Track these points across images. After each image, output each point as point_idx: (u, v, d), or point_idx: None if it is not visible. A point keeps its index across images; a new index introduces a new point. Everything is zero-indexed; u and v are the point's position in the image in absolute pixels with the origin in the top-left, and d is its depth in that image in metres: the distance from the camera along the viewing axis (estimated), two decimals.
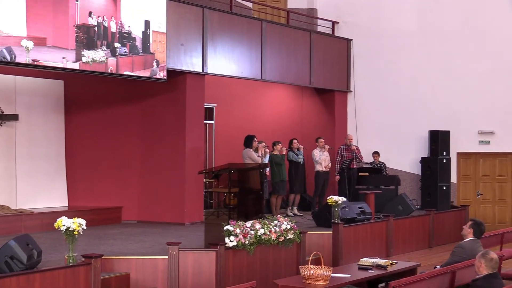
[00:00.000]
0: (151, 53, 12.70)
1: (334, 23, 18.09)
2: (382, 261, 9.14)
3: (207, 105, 14.80)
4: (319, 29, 18.01)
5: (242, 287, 6.58)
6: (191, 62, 13.66)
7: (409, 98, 17.48)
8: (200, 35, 13.82)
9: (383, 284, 8.95)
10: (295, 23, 17.26)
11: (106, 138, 14.21)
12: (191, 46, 13.67)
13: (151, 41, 12.70)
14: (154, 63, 12.73)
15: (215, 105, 15.88)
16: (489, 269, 6.78)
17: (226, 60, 14.52)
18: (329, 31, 18.00)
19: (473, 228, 8.48)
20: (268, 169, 14.30)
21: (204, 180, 14.51)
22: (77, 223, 8.18)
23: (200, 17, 13.83)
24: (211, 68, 14.04)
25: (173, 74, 13.31)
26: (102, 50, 11.84)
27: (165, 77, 12.91)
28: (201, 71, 13.84)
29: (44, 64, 10.96)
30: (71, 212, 12.52)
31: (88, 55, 11.59)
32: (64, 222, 8.16)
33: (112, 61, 12.02)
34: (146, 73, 12.58)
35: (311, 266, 7.89)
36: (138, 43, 12.52)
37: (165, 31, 12.91)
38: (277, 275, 10.14)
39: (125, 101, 14.20)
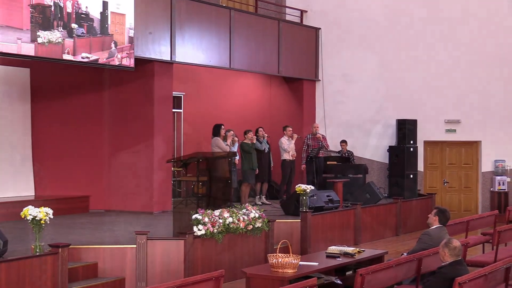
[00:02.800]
0: (109, 34, 12.48)
1: (302, 12, 18.09)
2: (349, 249, 9.21)
3: (175, 93, 14.74)
4: (288, 17, 18.01)
5: (210, 275, 6.58)
6: (159, 51, 13.57)
7: (376, 87, 17.58)
8: (168, 23, 13.73)
9: (350, 272, 9.01)
10: (263, 12, 17.24)
11: (73, 127, 14.09)
12: (159, 34, 13.58)
13: (109, 22, 12.49)
14: (112, 45, 12.52)
15: (184, 93, 15.81)
16: (453, 257, 6.86)
17: (195, 49, 14.45)
18: (297, 20, 18.00)
19: (438, 216, 8.57)
20: (237, 157, 14.31)
21: (172, 169, 14.47)
22: (44, 212, 8.12)
23: (168, 5, 13.74)
24: (179, 57, 13.97)
25: (141, 62, 13.22)
26: (58, 31, 11.51)
27: (131, 64, 12.76)
28: (169, 59, 13.76)
29: None
30: (38, 201, 12.29)
31: (44, 36, 11.25)
32: (30, 211, 8.10)
33: (69, 42, 11.72)
34: (104, 55, 12.35)
35: (279, 255, 7.92)
36: (96, 24, 12.27)
37: (124, 13, 12.72)
38: (246, 263, 10.18)
39: (92, 89, 14.07)
